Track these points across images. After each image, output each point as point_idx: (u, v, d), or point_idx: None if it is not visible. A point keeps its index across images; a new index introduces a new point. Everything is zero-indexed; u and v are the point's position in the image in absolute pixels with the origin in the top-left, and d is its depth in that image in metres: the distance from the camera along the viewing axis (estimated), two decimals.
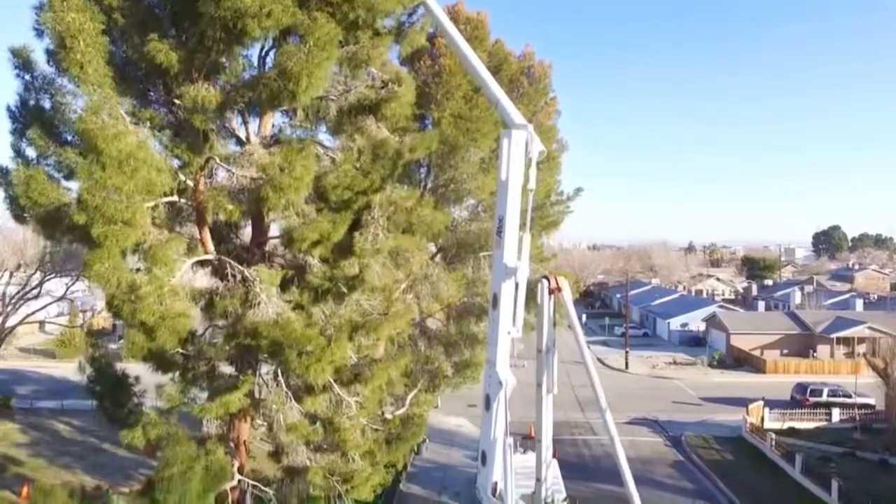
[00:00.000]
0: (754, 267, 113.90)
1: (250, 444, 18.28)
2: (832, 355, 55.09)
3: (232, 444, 16.80)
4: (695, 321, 67.77)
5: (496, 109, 14.00)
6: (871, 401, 38.34)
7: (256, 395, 17.33)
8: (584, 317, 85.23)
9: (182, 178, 13.81)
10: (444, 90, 21.09)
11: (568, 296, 16.97)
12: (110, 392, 15.88)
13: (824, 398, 39.79)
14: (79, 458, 29.33)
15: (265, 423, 18.34)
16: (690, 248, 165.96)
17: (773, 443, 31.92)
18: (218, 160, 13.71)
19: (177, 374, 15.75)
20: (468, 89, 21.23)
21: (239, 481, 16.14)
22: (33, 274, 36.46)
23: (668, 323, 70.57)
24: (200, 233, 14.65)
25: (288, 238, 13.25)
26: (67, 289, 39.19)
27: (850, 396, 39.36)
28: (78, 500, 14.15)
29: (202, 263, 15.39)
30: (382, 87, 15.08)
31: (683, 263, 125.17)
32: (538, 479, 18.13)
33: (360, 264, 14.27)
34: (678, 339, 67.85)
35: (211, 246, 14.71)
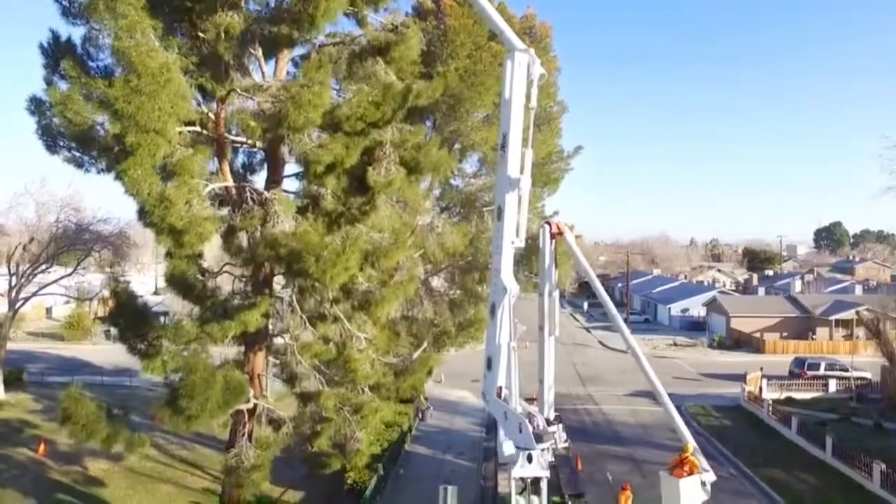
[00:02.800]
0: (755, 259, 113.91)
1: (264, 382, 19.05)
2: (831, 337, 55.66)
3: (247, 376, 17.57)
4: (695, 306, 68.25)
5: (500, 39, 14.86)
6: (868, 374, 39.03)
7: (271, 329, 18.16)
8: (585, 305, 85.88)
9: (204, 109, 14.65)
10: (450, 49, 21.96)
11: (571, 239, 17.55)
12: (132, 324, 16.65)
13: (822, 371, 40.48)
14: None
15: (278, 361, 19.17)
16: (692, 244, 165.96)
17: (770, 408, 32.62)
18: (239, 91, 14.56)
19: (195, 306, 16.54)
20: (472, 48, 22.10)
21: (255, 405, 16.89)
22: (46, 248, 37.20)
23: (669, 308, 71.01)
24: (220, 164, 15.50)
25: (304, 162, 14.06)
26: (78, 264, 39.98)
27: (846, 370, 40.00)
28: (105, 413, 14.90)
29: (221, 203, 16.22)
30: (392, 30, 15.94)
31: (685, 255, 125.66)
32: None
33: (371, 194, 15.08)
34: (679, 324, 68.45)
35: (230, 176, 15.57)
